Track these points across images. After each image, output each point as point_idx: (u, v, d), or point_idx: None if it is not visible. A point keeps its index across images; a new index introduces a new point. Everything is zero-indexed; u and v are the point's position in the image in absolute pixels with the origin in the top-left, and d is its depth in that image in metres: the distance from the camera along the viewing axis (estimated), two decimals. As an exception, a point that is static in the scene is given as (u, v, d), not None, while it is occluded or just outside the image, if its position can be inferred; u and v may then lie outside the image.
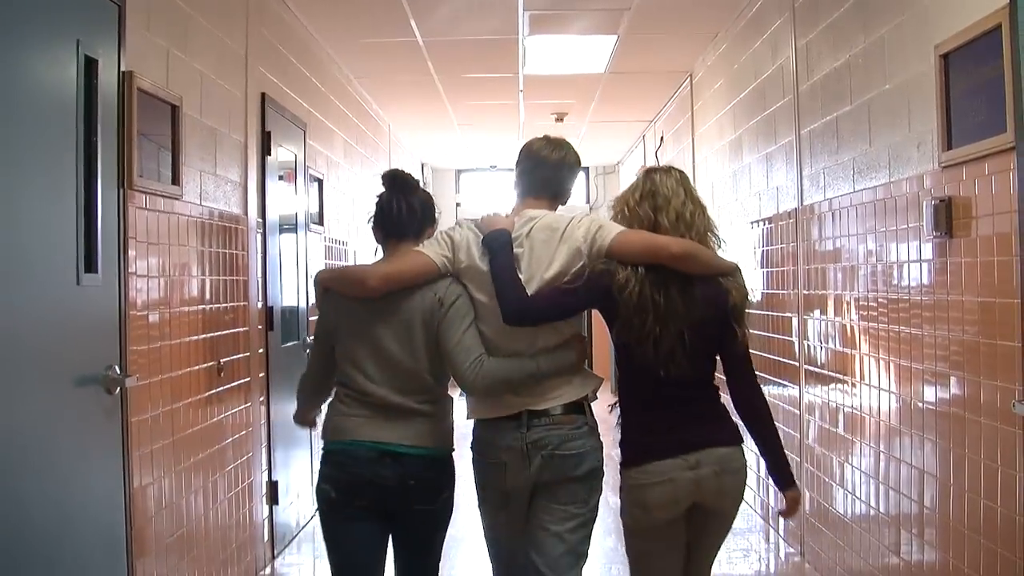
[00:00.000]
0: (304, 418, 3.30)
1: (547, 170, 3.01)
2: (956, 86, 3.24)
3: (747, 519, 5.90)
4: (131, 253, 3.39)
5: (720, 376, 2.94)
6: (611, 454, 2.94)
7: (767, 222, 5.66)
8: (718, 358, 2.91)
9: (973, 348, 3.16)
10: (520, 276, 2.83)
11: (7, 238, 2.66)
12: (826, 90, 4.58)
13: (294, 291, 5.88)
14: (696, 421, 2.80)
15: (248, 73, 4.93)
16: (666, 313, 2.73)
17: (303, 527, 5.85)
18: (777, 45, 5.36)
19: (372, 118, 8.96)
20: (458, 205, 13.61)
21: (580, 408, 2.90)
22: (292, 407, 5.78)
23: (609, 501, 3.06)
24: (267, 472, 5.14)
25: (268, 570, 5.07)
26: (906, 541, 3.74)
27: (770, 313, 5.58)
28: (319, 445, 3.10)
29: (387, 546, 3.01)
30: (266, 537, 5.10)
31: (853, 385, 4.27)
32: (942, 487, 3.40)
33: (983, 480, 3.11)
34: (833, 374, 4.54)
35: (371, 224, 3.09)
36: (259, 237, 5.07)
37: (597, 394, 2.99)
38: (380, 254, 3.10)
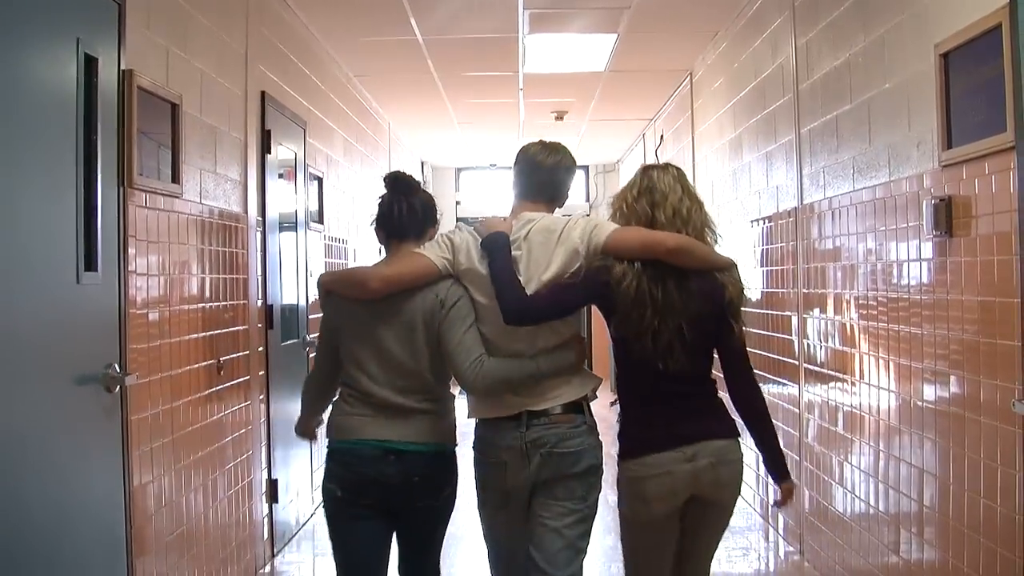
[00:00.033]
0: (306, 427, 3.31)
1: (543, 174, 3.04)
2: (956, 85, 3.24)
3: (746, 517, 5.90)
4: (131, 251, 3.39)
5: (717, 372, 2.96)
6: (611, 452, 2.95)
7: (767, 221, 5.67)
8: (716, 355, 2.94)
9: (973, 347, 3.16)
10: (519, 278, 2.85)
11: (7, 237, 2.66)
12: (826, 89, 4.58)
13: (294, 289, 5.88)
14: (693, 415, 2.83)
15: (248, 71, 4.93)
16: (664, 307, 2.76)
17: (303, 525, 5.85)
18: (777, 44, 5.36)
19: (372, 116, 8.96)
20: (458, 203, 13.61)
21: (579, 408, 2.92)
22: (292, 405, 5.79)
23: (608, 500, 3.07)
24: (267, 470, 5.15)
25: (268, 568, 5.07)
26: (905, 540, 3.74)
27: (770, 312, 5.59)
28: (319, 444, 3.14)
29: (391, 543, 3.05)
30: (266, 535, 5.10)
31: (853, 384, 4.28)
32: (942, 486, 3.41)
33: (983, 479, 3.11)
34: (833, 373, 4.54)
35: (374, 225, 3.13)
36: (259, 235, 5.07)
37: (597, 393, 3.01)
38: (383, 254, 3.15)
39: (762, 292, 5.77)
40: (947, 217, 3.28)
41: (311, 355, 5.98)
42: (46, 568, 2.82)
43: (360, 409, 2.95)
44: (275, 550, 5.26)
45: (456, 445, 3.05)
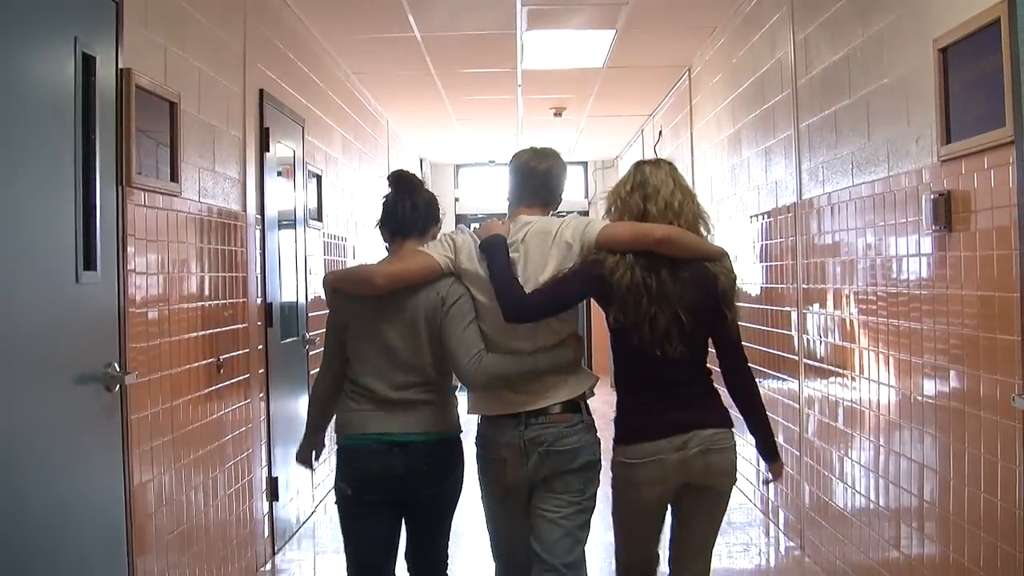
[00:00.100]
0: (306, 451, 3.34)
1: (537, 179, 3.15)
2: (955, 80, 3.24)
3: (747, 513, 5.91)
4: (130, 250, 3.39)
5: (713, 365, 3.01)
6: (609, 448, 3.00)
7: (766, 216, 5.66)
8: (711, 347, 3.01)
9: (972, 342, 3.16)
10: (518, 279, 2.93)
11: (6, 237, 2.66)
12: (825, 84, 4.58)
13: (293, 287, 5.88)
14: (686, 404, 2.91)
15: (246, 69, 4.93)
16: (659, 295, 2.84)
17: (303, 523, 5.85)
18: (775, 39, 5.36)
19: (370, 114, 8.95)
20: (457, 200, 13.61)
21: (576, 407, 3.01)
22: (292, 403, 5.81)
23: (607, 495, 3.09)
24: (267, 468, 5.15)
25: (268, 566, 5.07)
26: (906, 535, 3.75)
27: (769, 307, 5.59)
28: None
29: (400, 532, 3.16)
30: (266, 533, 5.11)
31: (852, 379, 4.28)
32: (942, 481, 3.41)
33: (983, 474, 3.11)
34: (832, 368, 4.54)
35: (378, 226, 3.21)
36: (258, 233, 5.07)
37: (594, 391, 3.09)
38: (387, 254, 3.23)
39: (761, 287, 5.78)
40: (946, 212, 3.28)
41: (311, 353, 6.01)
42: (47, 567, 2.82)
43: (363, 404, 3.04)
44: (275, 548, 5.26)
45: (460, 432, 3.13)
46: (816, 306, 4.77)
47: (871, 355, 4.05)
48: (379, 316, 3.02)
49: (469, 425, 3.16)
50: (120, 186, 3.32)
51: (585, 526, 3.01)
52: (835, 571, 4.53)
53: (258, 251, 5.07)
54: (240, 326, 4.71)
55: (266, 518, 5.12)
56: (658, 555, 3.10)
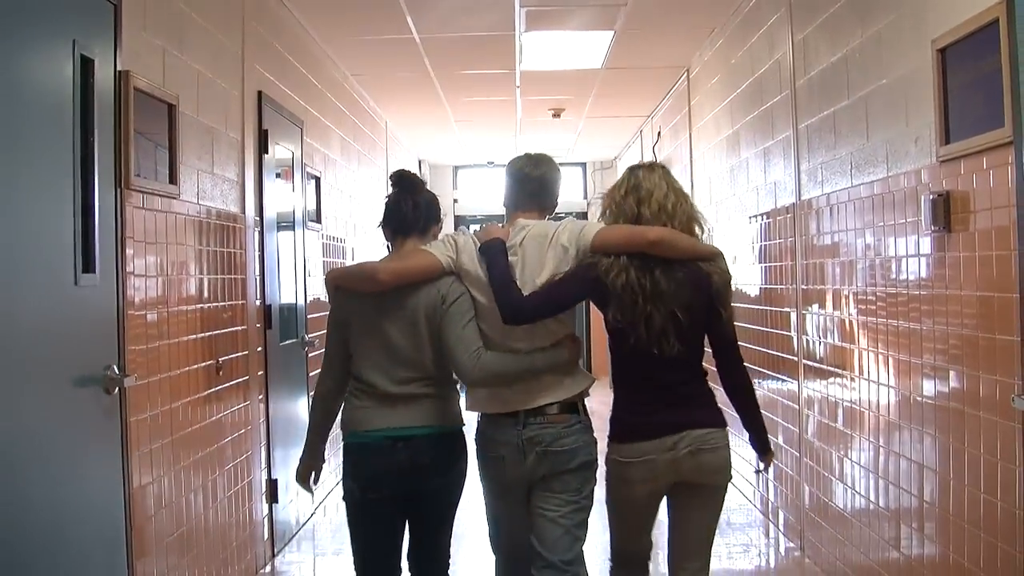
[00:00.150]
0: (306, 470, 3.32)
1: (533, 184, 3.22)
2: (953, 81, 3.24)
3: (747, 514, 5.91)
4: (129, 252, 3.39)
5: (709, 366, 3.05)
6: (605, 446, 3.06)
7: (765, 217, 5.67)
8: (707, 347, 3.08)
9: (972, 342, 3.16)
10: (516, 281, 3.00)
11: (5, 239, 2.66)
12: (823, 85, 4.58)
13: (292, 289, 5.88)
14: (680, 404, 2.97)
15: (245, 71, 4.93)
16: (654, 294, 2.91)
17: (303, 525, 5.85)
18: (774, 40, 5.36)
19: (369, 115, 8.95)
20: (455, 201, 13.61)
21: (574, 408, 3.09)
22: (291, 405, 5.81)
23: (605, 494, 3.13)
24: (266, 470, 5.14)
25: (268, 568, 5.07)
26: (906, 535, 3.74)
27: (768, 308, 5.59)
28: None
29: (404, 528, 3.21)
30: (266, 535, 5.10)
31: (852, 380, 4.28)
32: (941, 481, 3.41)
33: (983, 474, 3.11)
34: (832, 369, 4.54)
35: (380, 225, 3.27)
36: (257, 235, 5.06)
37: (590, 392, 3.16)
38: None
39: (761, 288, 5.78)
40: (945, 212, 3.28)
41: (310, 355, 6.00)
42: (47, 569, 2.82)
43: (366, 401, 3.10)
44: (275, 550, 5.26)
45: (463, 425, 3.18)
46: (815, 307, 4.77)
47: (870, 356, 4.05)
48: (380, 313, 3.07)
49: (472, 420, 3.22)
50: (119, 188, 3.32)
51: (583, 524, 3.09)
52: (835, 572, 4.53)
53: (257, 253, 5.06)
54: (239, 328, 4.71)
55: (266, 520, 5.11)
56: (651, 542, 3.18)
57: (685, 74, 7.93)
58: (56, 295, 2.94)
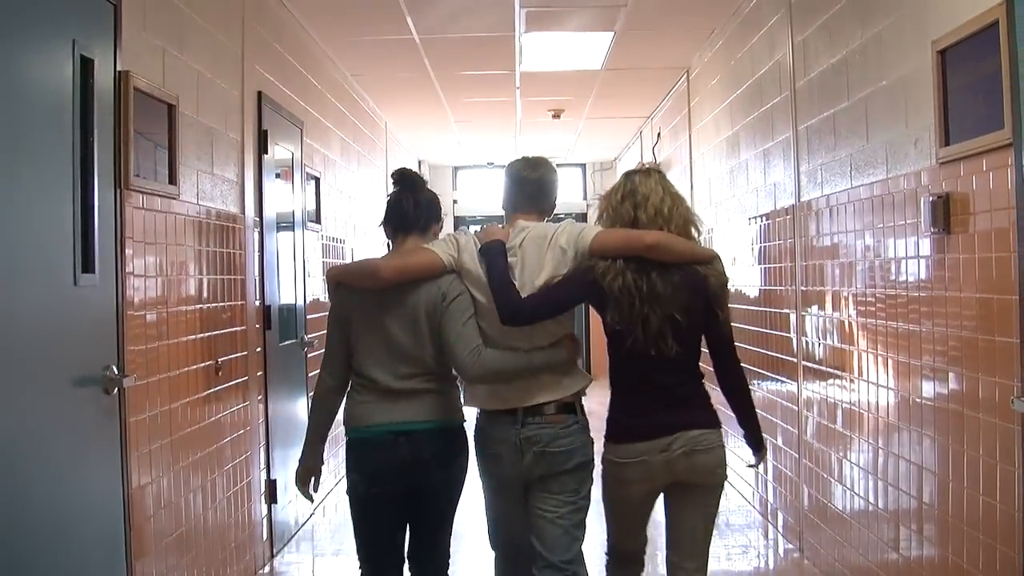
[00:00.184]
0: (313, 458, 3.31)
1: (531, 187, 3.28)
2: (953, 82, 3.24)
3: (746, 515, 5.91)
4: (128, 253, 3.39)
5: (706, 367, 3.10)
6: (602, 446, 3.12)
7: (764, 218, 5.67)
8: (704, 347, 3.13)
9: (971, 344, 3.16)
10: (514, 283, 3.06)
11: (4, 239, 2.65)
12: (823, 86, 4.58)
13: (291, 289, 5.88)
14: (675, 406, 3.02)
15: (244, 72, 4.93)
16: (650, 297, 2.96)
17: (302, 525, 5.85)
18: (774, 41, 5.36)
19: (369, 116, 8.95)
20: (455, 202, 13.60)
21: (571, 408, 3.14)
22: (291, 405, 5.81)
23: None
24: (265, 471, 5.14)
25: (267, 569, 5.07)
26: (905, 537, 3.74)
27: (768, 309, 5.59)
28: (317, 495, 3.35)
29: (407, 520, 3.24)
30: (265, 536, 5.10)
31: (851, 381, 4.28)
32: (940, 483, 3.41)
33: (981, 476, 3.11)
34: (831, 370, 4.54)
35: (382, 223, 3.31)
36: (256, 236, 5.06)
37: (588, 392, 3.22)
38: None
39: (760, 289, 5.78)
40: (945, 214, 3.28)
41: (309, 355, 6.00)
42: (46, 569, 2.82)
43: (367, 396, 3.13)
44: (274, 551, 5.26)
45: (464, 420, 3.22)
46: (815, 308, 4.77)
47: (870, 357, 4.05)
48: (381, 310, 3.11)
49: (473, 416, 3.27)
50: (118, 188, 3.32)
51: (581, 524, 3.15)
52: (834, 573, 4.53)
53: (256, 253, 5.06)
54: (238, 328, 4.71)
55: (265, 520, 5.11)
56: (646, 539, 3.24)
57: (685, 75, 7.94)
58: (55, 295, 2.94)
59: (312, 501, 3.42)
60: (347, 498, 3.22)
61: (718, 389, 3.17)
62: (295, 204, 5.96)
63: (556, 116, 9.65)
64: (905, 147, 3.66)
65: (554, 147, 11.83)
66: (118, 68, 3.33)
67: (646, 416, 3.01)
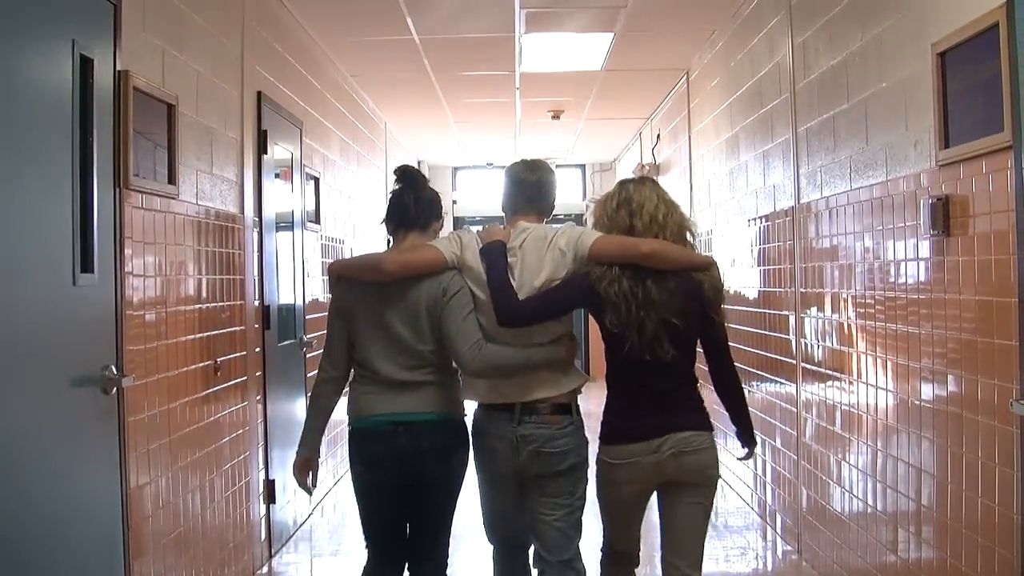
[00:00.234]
0: (311, 448, 3.34)
1: (530, 189, 3.36)
2: (953, 85, 3.24)
3: (744, 517, 5.91)
4: (127, 252, 3.38)
5: (701, 366, 3.15)
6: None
7: (764, 220, 5.67)
8: (700, 350, 3.19)
9: (970, 346, 3.16)
10: (513, 283, 3.12)
11: (3, 239, 2.65)
12: (823, 88, 4.58)
13: (291, 290, 5.88)
14: (666, 408, 3.09)
15: (244, 72, 4.92)
16: (645, 302, 3.02)
17: (300, 525, 5.85)
18: (774, 43, 5.36)
19: (369, 116, 8.95)
20: (455, 203, 13.61)
21: (567, 408, 3.20)
22: (289, 405, 5.80)
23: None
24: (264, 471, 5.14)
25: (265, 569, 5.07)
26: (903, 539, 3.74)
27: (767, 311, 5.59)
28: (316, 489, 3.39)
29: (408, 510, 3.28)
30: (263, 536, 5.10)
31: (850, 383, 4.28)
32: (939, 485, 3.41)
33: (980, 479, 3.11)
34: (830, 372, 4.54)
35: (383, 221, 3.36)
36: (255, 236, 5.06)
37: (585, 391, 3.30)
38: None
39: (759, 291, 5.78)
40: (944, 216, 3.28)
41: (308, 355, 6.00)
42: (44, 569, 2.81)
43: (370, 387, 3.20)
44: (272, 551, 5.25)
45: (464, 415, 3.28)
46: (814, 310, 4.77)
47: (869, 359, 4.05)
48: (383, 303, 3.16)
49: (472, 410, 3.32)
50: (117, 188, 3.32)
51: (578, 524, 3.24)
52: (832, 575, 4.53)
53: (256, 253, 5.06)
54: (237, 328, 4.71)
55: (263, 521, 5.11)
56: (639, 535, 3.31)
57: (685, 76, 7.94)
58: (54, 295, 2.94)
59: (310, 494, 3.44)
60: (341, 505, 3.28)
61: (712, 389, 3.25)
62: (294, 204, 5.96)
63: (556, 117, 9.65)
64: (905, 149, 3.66)
65: (554, 148, 11.84)
66: (118, 68, 3.33)
67: (638, 418, 3.08)
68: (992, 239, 3.02)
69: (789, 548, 5.22)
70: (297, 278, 5.97)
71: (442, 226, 3.44)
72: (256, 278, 5.05)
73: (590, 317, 3.23)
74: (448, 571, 3.37)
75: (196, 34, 4.22)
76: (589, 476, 3.25)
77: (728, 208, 6.61)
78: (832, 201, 4.46)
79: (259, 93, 5.18)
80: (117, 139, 3.32)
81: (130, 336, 3.39)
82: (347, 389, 3.34)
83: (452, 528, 3.37)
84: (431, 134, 10.99)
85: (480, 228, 3.33)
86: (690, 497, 3.12)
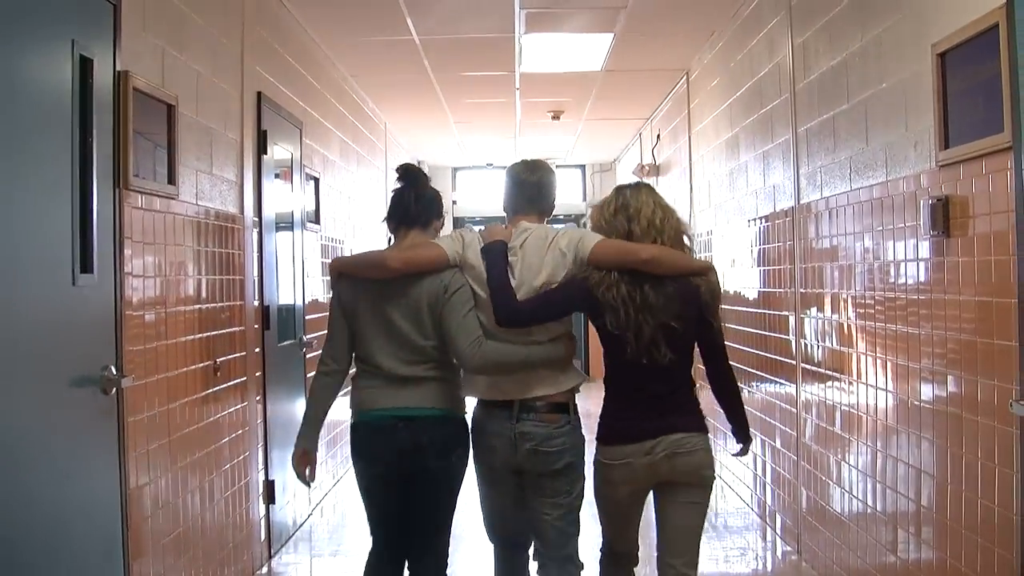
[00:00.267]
0: (310, 440, 3.36)
1: (531, 189, 3.41)
2: (953, 85, 3.24)
3: (744, 518, 5.91)
4: (127, 253, 3.38)
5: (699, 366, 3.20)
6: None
7: (764, 220, 5.67)
8: (697, 353, 3.26)
9: (970, 347, 3.16)
10: (513, 282, 3.17)
11: (3, 239, 2.65)
12: (823, 89, 4.58)
13: (290, 290, 5.88)
14: (662, 411, 3.12)
15: (244, 72, 4.92)
16: (643, 306, 3.06)
17: (300, 526, 5.85)
18: (774, 43, 5.36)
19: (369, 117, 8.95)
20: (454, 203, 13.61)
21: (564, 407, 3.25)
22: (289, 406, 5.80)
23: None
24: (264, 471, 5.14)
25: (265, 569, 5.07)
26: (903, 540, 3.74)
27: (767, 311, 5.59)
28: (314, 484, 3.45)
29: (409, 503, 3.29)
30: (263, 536, 5.10)
31: (850, 383, 4.28)
32: (939, 486, 3.41)
33: (980, 479, 3.11)
34: (830, 372, 4.54)
35: (385, 218, 3.41)
36: (255, 236, 5.06)
37: (583, 391, 3.35)
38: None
39: (759, 291, 5.77)
40: (944, 217, 3.28)
41: (308, 356, 6.00)
42: (44, 569, 2.81)
43: (372, 381, 3.24)
44: (272, 551, 5.25)
45: (465, 413, 3.31)
46: (814, 310, 4.77)
47: (868, 359, 4.05)
48: (384, 300, 3.20)
49: (470, 405, 3.36)
50: (117, 188, 3.32)
51: (575, 521, 3.30)
52: (832, 575, 4.53)
53: (255, 254, 5.06)
54: (237, 329, 4.71)
55: (263, 521, 5.11)
56: (637, 534, 3.34)
57: (685, 77, 7.94)
58: (54, 295, 2.94)
59: (308, 486, 3.48)
60: (340, 506, 3.29)
61: (708, 390, 3.31)
62: (294, 204, 5.96)
63: (556, 117, 9.65)
64: (905, 150, 3.66)
65: (553, 148, 11.83)
66: (117, 68, 3.33)
67: (632, 420, 3.12)
68: (992, 240, 3.02)
69: (789, 549, 5.22)
70: (297, 278, 5.97)
71: (443, 224, 3.48)
72: (256, 278, 5.05)
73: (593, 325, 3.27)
74: (448, 570, 3.38)
75: (196, 34, 4.22)
76: (587, 475, 3.28)
77: (728, 208, 6.61)
78: (832, 201, 4.46)
79: (259, 93, 5.18)
80: (117, 139, 3.32)
81: (130, 336, 3.39)
82: (349, 384, 3.37)
83: (452, 527, 3.38)
84: (431, 134, 10.99)
85: (482, 228, 3.37)
86: (685, 497, 3.16)
